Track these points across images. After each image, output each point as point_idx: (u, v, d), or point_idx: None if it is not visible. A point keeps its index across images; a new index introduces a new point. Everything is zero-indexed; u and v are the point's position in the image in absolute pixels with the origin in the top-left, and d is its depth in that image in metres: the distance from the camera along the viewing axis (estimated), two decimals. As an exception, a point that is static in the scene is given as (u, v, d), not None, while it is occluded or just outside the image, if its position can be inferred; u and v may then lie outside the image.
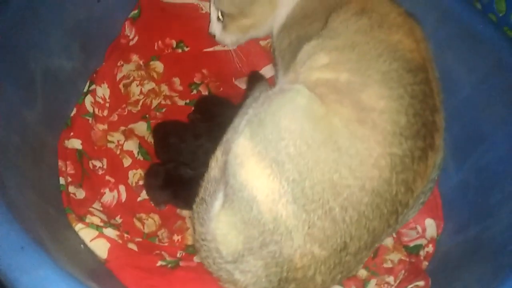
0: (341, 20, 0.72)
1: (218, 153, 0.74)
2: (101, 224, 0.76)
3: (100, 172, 0.87)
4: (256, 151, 0.61)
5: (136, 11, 1.02)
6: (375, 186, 0.58)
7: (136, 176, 0.90)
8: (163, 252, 0.78)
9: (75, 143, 0.85)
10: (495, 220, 0.73)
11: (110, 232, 0.75)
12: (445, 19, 0.90)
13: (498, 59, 0.83)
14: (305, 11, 0.80)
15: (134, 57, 1.02)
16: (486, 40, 0.86)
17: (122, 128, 0.95)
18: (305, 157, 0.58)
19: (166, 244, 0.81)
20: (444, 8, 0.91)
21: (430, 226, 0.84)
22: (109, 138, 0.92)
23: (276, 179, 0.59)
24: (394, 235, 0.82)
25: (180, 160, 0.88)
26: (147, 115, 0.99)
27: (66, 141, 0.85)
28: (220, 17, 0.89)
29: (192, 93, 1.06)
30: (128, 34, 1.01)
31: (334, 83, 0.65)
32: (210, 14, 0.92)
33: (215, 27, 0.92)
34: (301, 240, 0.58)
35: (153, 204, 0.87)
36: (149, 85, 1.02)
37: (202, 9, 1.08)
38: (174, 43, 1.08)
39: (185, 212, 0.87)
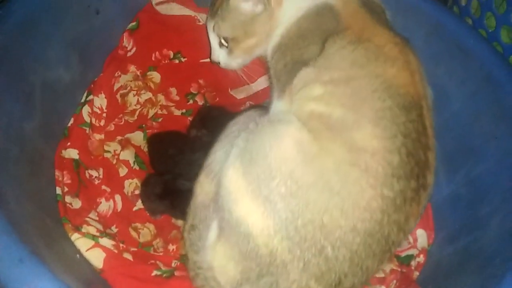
0: (337, 47, 0.72)
1: (202, 178, 0.75)
2: (97, 233, 0.77)
3: (97, 181, 0.88)
4: (250, 189, 0.62)
5: (134, 23, 1.04)
6: (367, 227, 0.59)
7: (132, 185, 0.91)
8: (158, 262, 0.79)
9: (72, 153, 0.86)
10: (484, 232, 0.74)
11: (105, 242, 0.76)
12: (436, 33, 0.92)
13: (488, 73, 0.85)
14: (301, 31, 0.80)
15: (132, 68, 1.03)
16: (476, 55, 0.87)
17: (119, 137, 0.96)
18: (296, 197, 0.59)
19: (161, 253, 0.82)
20: (436, 23, 0.93)
21: (421, 237, 0.85)
22: (106, 147, 0.93)
23: (270, 217, 0.60)
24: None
25: (176, 171, 0.89)
26: (143, 125, 1.00)
27: (63, 151, 0.86)
28: (224, 43, 0.87)
29: (188, 103, 1.07)
30: (126, 45, 1.03)
31: (328, 119, 0.65)
32: (209, 42, 0.90)
33: (218, 54, 0.90)
34: (297, 275, 0.59)
35: (148, 214, 0.88)
36: (146, 95, 1.03)
37: (199, 21, 1.09)
38: (171, 54, 1.10)
39: (180, 222, 0.87)
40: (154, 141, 0.96)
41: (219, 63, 0.90)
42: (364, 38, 0.71)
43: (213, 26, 0.86)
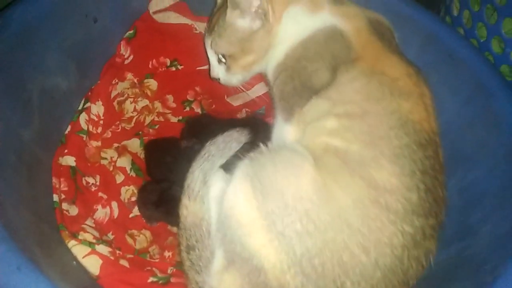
0: (350, 78, 0.71)
1: (185, 200, 0.73)
2: (94, 240, 0.77)
3: (93, 188, 0.89)
4: (265, 224, 0.61)
5: (131, 31, 1.05)
6: (387, 262, 0.59)
7: (128, 192, 0.92)
8: (154, 269, 0.80)
9: (69, 160, 0.87)
10: (476, 239, 0.75)
11: (102, 248, 0.77)
12: (430, 43, 0.94)
13: (480, 82, 0.87)
14: (309, 54, 0.78)
15: (129, 75, 1.04)
16: (468, 64, 0.89)
17: (116, 144, 0.97)
18: (312, 236, 0.59)
19: (157, 260, 0.82)
20: (429, 33, 0.94)
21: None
22: (103, 154, 0.94)
23: (284, 252, 0.59)
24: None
25: (172, 178, 0.89)
26: (140, 132, 1.01)
27: (60, 158, 0.86)
28: (222, 59, 0.86)
29: (185, 110, 1.08)
30: (124, 53, 1.04)
31: (344, 154, 0.64)
32: (208, 58, 0.89)
33: (218, 71, 0.89)
34: None
35: (145, 221, 0.88)
36: (142, 102, 1.04)
37: (196, 29, 1.10)
38: (168, 61, 1.11)
39: (176, 229, 0.88)
40: (151, 147, 0.97)
41: (219, 79, 0.90)
42: (377, 69, 0.71)
43: (211, 43, 0.85)
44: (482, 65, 0.88)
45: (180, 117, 1.06)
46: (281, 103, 0.81)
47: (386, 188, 0.61)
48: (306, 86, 0.77)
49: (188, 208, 0.73)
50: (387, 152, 0.63)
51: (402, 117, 0.66)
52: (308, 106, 0.75)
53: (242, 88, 0.99)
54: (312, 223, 0.59)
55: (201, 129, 0.95)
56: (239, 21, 0.81)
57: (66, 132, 0.91)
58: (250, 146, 0.82)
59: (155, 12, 1.07)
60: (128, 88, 1.03)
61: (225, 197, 0.66)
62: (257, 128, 0.91)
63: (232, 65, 0.86)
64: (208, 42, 0.86)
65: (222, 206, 0.66)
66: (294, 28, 0.80)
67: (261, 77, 1.09)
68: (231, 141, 0.79)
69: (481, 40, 1.03)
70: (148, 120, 1.03)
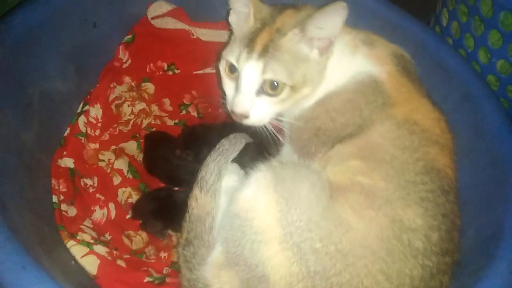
0: (383, 131, 0.71)
1: (197, 191, 0.74)
2: (92, 241, 0.80)
3: (91, 190, 0.91)
4: (282, 233, 0.61)
5: (130, 36, 1.07)
6: None
7: (125, 194, 0.94)
8: (150, 269, 0.82)
9: (68, 162, 0.89)
10: (461, 242, 0.78)
11: (100, 249, 0.79)
12: (420, 52, 0.96)
13: (467, 91, 0.90)
14: (341, 105, 0.75)
15: (127, 79, 1.06)
16: (456, 73, 0.92)
17: (113, 147, 0.99)
18: (332, 257, 0.60)
19: (153, 260, 0.85)
20: (419, 42, 0.97)
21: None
22: (100, 157, 0.96)
23: (296, 264, 0.60)
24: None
25: (166, 174, 0.91)
26: (137, 135, 1.03)
27: (59, 160, 0.88)
28: (269, 90, 0.73)
29: (181, 113, 1.10)
30: (122, 58, 1.06)
31: (370, 191, 0.65)
32: (241, 84, 0.73)
33: (250, 103, 0.73)
34: None
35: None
36: (140, 106, 1.06)
37: (193, 34, 1.13)
38: (165, 65, 1.13)
39: (170, 231, 0.91)
40: (151, 139, 1.00)
41: (244, 115, 0.74)
42: (410, 118, 0.72)
43: (263, 68, 0.72)
44: (469, 75, 0.91)
45: (177, 120, 1.08)
46: (294, 143, 0.79)
47: (411, 227, 0.63)
48: (331, 136, 0.75)
49: (198, 200, 0.73)
50: (413, 195, 0.65)
51: (428, 164, 0.68)
52: (333, 152, 0.73)
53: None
54: (333, 245, 0.60)
55: (196, 140, 0.97)
56: (302, 46, 0.73)
57: (65, 134, 0.93)
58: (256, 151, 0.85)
59: (153, 18, 1.09)
60: (126, 92, 1.05)
61: (242, 197, 0.66)
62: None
63: (289, 97, 0.74)
64: (254, 67, 0.72)
65: (235, 206, 0.66)
66: (338, 67, 0.77)
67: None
68: (241, 137, 0.82)
69: (469, 50, 1.06)
70: (145, 123, 1.05)
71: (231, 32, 0.82)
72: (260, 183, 0.66)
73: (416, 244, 0.63)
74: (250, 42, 0.73)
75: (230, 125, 0.99)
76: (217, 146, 0.79)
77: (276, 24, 0.74)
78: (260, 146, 0.87)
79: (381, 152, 0.70)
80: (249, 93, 0.73)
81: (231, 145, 0.80)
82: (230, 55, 0.75)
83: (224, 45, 0.82)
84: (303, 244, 0.60)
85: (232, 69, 0.75)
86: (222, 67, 0.77)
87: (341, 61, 0.77)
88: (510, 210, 0.72)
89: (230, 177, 0.77)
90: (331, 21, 0.71)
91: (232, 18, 0.80)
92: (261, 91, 0.73)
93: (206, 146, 0.90)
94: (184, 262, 0.70)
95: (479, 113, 0.87)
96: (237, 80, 0.74)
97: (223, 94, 0.80)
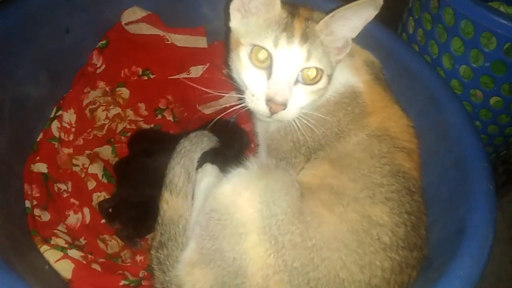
0: (355, 142, 0.74)
1: (167, 195, 0.75)
2: (66, 245, 0.79)
3: (65, 195, 0.90)
4: (262, 225, 0.63)
5: (104, 41, 1.07)
6: (377, 283, 0.64)
7: (100, 198, 0.94)
8: (126, 272, 0.82)
9: (41, 167, 0.89)
10: (430, 235, 0.81)
11: (74, 253, 0.79)
12: (389, 59, 1.00)
13: (432, 95, 0.93)
14: (328, 114, 0.77)
15: (101, 84, 1.06)
16: (422, 78, 0.96)
17: (87, 152, 0.98)
18: (310, 252, 0.62)
19: (129, 264, 0.85)
20: (388, 49, 1.00)
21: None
22: (74, 161, 0.96)
23: (273, 256, 0.61)
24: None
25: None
26: (112, 139, 1.03)
27: (32, 165, 0.88)
28: (307, 78, 0.70)
29: (157, 118, 1.11)
30: (96, 63, 1.05)
31: (338, 191, 0.68)
32: (278, 72, 0.69)
33: (290, 91, 0.69)
34: None
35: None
36: (114, 110, 1.06)
37: (167, 40, 1.13)
38: (140, 70, 1.13)
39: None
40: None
41: (285, 104, 0.69)
42: (382, 126, 0.75)
43: (307, 55, 0.69)
44: (434, 79, 0.95)
45: (152, 125, 1.09)
46: (274, 153, 0.80)
47: (378, 222, 0.66)
48: (311, 147, 0.76)
49: (169, 203, 0.74)
50: (379, 195, 0.69)
51: (394, 167, 0.72)
52: (304, 164, 0.76)
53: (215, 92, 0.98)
54: (310, 240, 0.63)
55: (146, 143, 0.98)
56: (328, 39, 0.72)
57: (38, 139, 0.92)
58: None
59: (127, 24, 1.09)
60: (100, 97, 1.05)
61: (220, 193, 0.67)
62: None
63: (325, 86, 0.73)
64: (297, 53, 0.68)
65: (213, 201, 0.67)
66: (337, 75, 0.77)
67: (232, 86, 1.12)
68: (202, 136, 0.82)
69: (434, 57, 1.10)
70: (120, 127, 1.05)
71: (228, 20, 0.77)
72: (242, 178, 0.67)
73: (384, 238, 0.66)
74: (287, 27, 0.69)
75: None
76: (178, 148, 0.79)
77: (300, 15, 0.72)
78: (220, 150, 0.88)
79: (350, 158, 0.73)
80: (289, 80, 0.69)
81: (193, 145, 0.80)
82: (260, 41, 0.69)
83: (226, 37, 0.79)
84: (281, 237, 0.62)
85: (260, 56, 0.70)
86: (245, 54, 0.71)
87: (341, 70, 0.78)
88: (472, 208, 0.75)
89: (208, 179, 0.79)
90: (358, 17, 0.70)
91: (239, 4, 0.74)
92: (298, 79, 0.70)
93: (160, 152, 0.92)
94: (158, 265, 0.71)
95: (443, 116, 0.90)
96: (269, 68, 0.69)
97: (243, 87, 0.74)
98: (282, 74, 0.69)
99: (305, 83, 0.70)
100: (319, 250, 0.63)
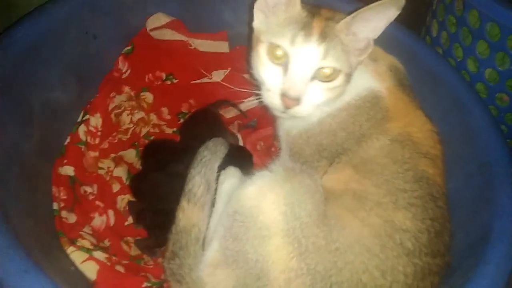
0: (378, 146, 0.74)
1: (184, 203, 0.75)
2: (91, 247, 0.81)
3: (91, 197, 0.93)
4: (286, 227, 0.63)
5: (129, 47, 1.09)
6: None
7: (124, 201, 0.96)
8: (148, 274, 0.83)
9: (68, 170, 0.91)
10: (452, 246, 0.80)
11: (99, 254, 0.81)
12: (411, 61, 0.98)
13: (456, 99, 0.92)
14: (346, 119, 0.77)
15: (126, 89, 1.08)
16: (446, 81, 0.95)
17: (112, 155, 1.01)
18: (334, 255, 0.62)
19: (151, 266, 0.86)
20: (411, 52, 0.99)
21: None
22: (100, 164, 0.98)
23: (296, 259, 0.62)
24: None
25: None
26: (136, 143, 1.05)
27: (59, 168, 0.90)
28: (324, 75, 0.71)
29: (179, 122, 1.12)
30: (121, 68, 1.08)
31: (362, 196, 0.68)
32: (294, 68, 0.70)
33: (304, 87, 0.70)
34: None
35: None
36: (139, 115, 1.08)
37: (191, 45, 1.15)
38: (164, 75, 1.15)
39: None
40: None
41: (299, 100, 0.70)
42: (404, 132, 0.75)
43: (324, 54, 0.70)
44: (459, 83, 0.94)
45: (175, 129, 1.11)
46: (296, 156, 0.80)
47: (401, 227, 0.66)
48: (333, 151, 0.77)
49: (185, 212, 0.75)
50: (402, 200, 0.68)
51: (418, 173, 0.71)
52: (327, 168, 0.76)
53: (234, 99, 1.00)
54: (334, 243, 0.63)
55: (157, 154, 0.99)
56: (348, 39, 0.73)
57: (66, 143, 0.95)
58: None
59: (151, 30, 1.12)
60: (125, 101, 1.07)
61: (244, 195, 0.67)
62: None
63: (342, 84, 0.73)
64: (314, 51, 0.70)
65: (236, 203, 0.67)
66: (356, 79, 0.77)
67: (253, 88, 1.13)
68: (220, 144, 0.83)
69: (458, 60, 1.08)
70: (144, 131, 1.07)
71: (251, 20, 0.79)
72: (266, 180, 0.68)
73: (407, 244, 0.65)
74: (305, 26, 0.70)
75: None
76: (198, 157, 0.79)
77: (321, 15, 0.73)
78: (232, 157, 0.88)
79: (373, 163, 0.73)
80: (304, 77, 0.70)
81: (212, 154, 0.80)
82: (277, 39, 0.71)
83: (249, 38, 0.81)
84: (305, 240, 0.62)
85: (278, 53, 0.71)
86: (264, 51, 0.73)
87: (360, 74, 0.78)
88: (497, 214, 0.74)
89: (231, 181, 0.79)
90: (379, 17, 0.71)
91: (262, 4, 0.76)
92: (314, 76, 0.71)
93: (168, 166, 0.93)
94: (171, 276, 0.71)
95: (468, 120, 0.89)
96: (285, 64, 0.71)
97: (261, 83, 0.76)
98: (298, 71, 0.70)
99: (321, 80, 0.72)
100: (342, 254, 0.63)
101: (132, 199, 0.96)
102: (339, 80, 0.72)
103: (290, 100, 0.70)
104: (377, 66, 0.81)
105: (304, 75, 0.70)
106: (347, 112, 0.77)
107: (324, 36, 0.70)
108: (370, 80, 0.79)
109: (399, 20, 0.72)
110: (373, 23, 0.72)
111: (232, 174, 0.82)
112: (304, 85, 0.70)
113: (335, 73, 0.71)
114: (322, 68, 0.71)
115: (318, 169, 0.77)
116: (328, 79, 0.71)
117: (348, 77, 0.74)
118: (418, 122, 0.78)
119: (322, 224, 0.64)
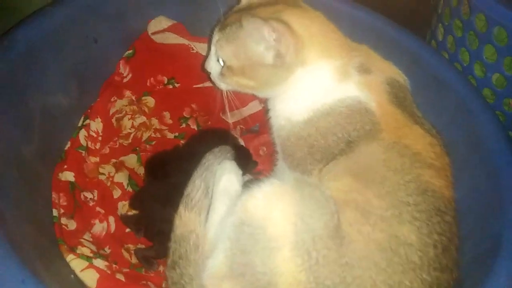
0: (370, 151, 0.72)
1: (181, 209, 0.74)
2: (91, 254, 0.80)
3: (91, 203, 0.91)
4: (295, 239, 0.61)
5: (130, 51, 1.08)
6: None
7: (125, 207, 0.94)
8: (149, 283, 0.82)
9: (68, 176, 0.90)
10: (460, 255, 0.78)
11: (99, 262, 0.79)
12: (416, 66, 0.98)
13: (463, 104, 0.91)
14: (330, 125, 0.75)
15: (127, 93, 1.07)
16: (452, 86, 0.93)
17: (113, 160, 0.99)
18: (343, 270, 0.61)
19: (152, 274, 0.85)
20: (416, 56, 0.98)
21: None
22: (101, 170, 0.97)
23: (305, 272, 0.60)
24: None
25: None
26: (137, 148, 1.04)
27: (60, 174, 0.89)
28: (221, 62, 0.81)
29: (181, 127, 1.11)
30: (122, 72, 1.07)
31: (364, 208, 0.66)
32: (209, 48, 0.84)
33: (213, 66, 0.83)
34: None
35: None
36: (140, 119, 1.07)
37: (193, 49, 1.14)
38: (165, 79, 1.14)
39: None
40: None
41: (209, 73, 0.85)
42: (400, 142, 0.72)
43: (216, 41, 0.79)
44: (465, 88, 0.92)
45: (177, 133, 1.09)
46: (289, 160, 0.80)
47: (406, 242, 0.64)
48: (324, 153, 0.76)
49: (182, 218, 0.73)
50: (406, 214, 0.66)
51: (421, 185, 0.68)
52: (324, 168, 0.74)
53: (237, 104, 0.99)
54: (344, 257, 0.61)
55: (160, 168, 0.96)
56: (252, 44, 0.75)
57: (66, 148, 0.93)
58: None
59: (153, 33, 1.11)
60: (126, 105, 1.06)
61: (252, 205, 0.65)
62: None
63: (227, 74, 0.80)
64: (214, 38, 0.80)
65: (244, 214, 0.65)
66: (321, 89, 0.77)
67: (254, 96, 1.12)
68: (226, 150, 0.82)
69: (464, 64, 1.07)
70: (145, 136, 1.06)
71: None
72: (275, 189, 0.66)
73: (413, 258, 0.63)
74: (225, 16, 0.83)
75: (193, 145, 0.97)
76: (203, 161, 0.78)
77: (245, 10, 0.79)
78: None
79: (372, 172, 0.70)
80: (212, 56, 0.83)
81: (216, 158, 0.79)
82: None
83: None
84: (316, 253, 0.61)
85: None
86: None
87: (324, 85, 0.77)
88: (507, 224, 0.72)
89: (229, 177, 0.77)
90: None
91: None
92: (218, 59, 0.82)
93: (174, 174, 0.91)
94: (172, 285, 0.69)
95: (475, 126, 0.88)
96: None
97: None
98: (211, 50, 0.83)
99: (220, 65, 0.82)
100: (351, 268, 0.61)
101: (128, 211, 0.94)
102: (224, 69, 0.81)
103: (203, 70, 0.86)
104: (370, 77, 0.78)
105: (212, 55, 0.83)
106: (332, 118, 0.76)
107: (225, 27, 0.78)
108: (355, 91, 0.76)
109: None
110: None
111: (229, 169, 0.79)
112: (212, 63, 0.83)
113: (225, 64, 0.80)
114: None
115: (313, 172, 0.76)
116: (222, 64, 0.81)
117: (241, 74, 0.79)
118: (413, 135, 0.75)
119: (336, 236, 0.62)
